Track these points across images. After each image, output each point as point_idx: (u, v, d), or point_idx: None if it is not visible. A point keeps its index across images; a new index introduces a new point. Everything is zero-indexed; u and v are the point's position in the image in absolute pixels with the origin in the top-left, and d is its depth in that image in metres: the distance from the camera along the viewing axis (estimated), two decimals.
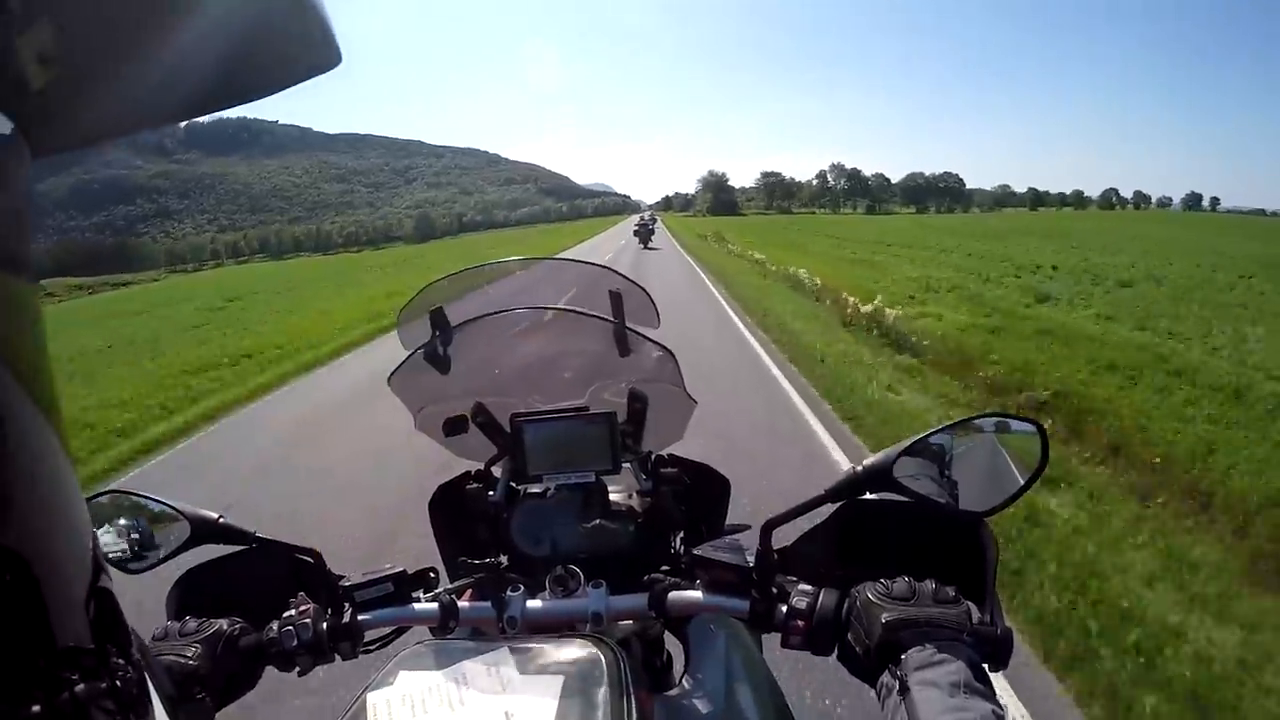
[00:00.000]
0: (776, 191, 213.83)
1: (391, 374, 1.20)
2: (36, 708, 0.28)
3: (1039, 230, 44.38)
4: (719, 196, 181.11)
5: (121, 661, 0.35)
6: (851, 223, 64.27)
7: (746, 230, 48.82)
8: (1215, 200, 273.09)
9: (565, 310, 1.22)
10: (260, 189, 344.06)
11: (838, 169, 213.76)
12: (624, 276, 1.30)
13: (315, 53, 0.37)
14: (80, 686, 0.31)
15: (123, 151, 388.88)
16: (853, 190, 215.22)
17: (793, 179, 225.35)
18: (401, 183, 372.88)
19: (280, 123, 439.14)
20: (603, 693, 0.67)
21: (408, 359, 1.18)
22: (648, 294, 1.32)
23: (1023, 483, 0.82)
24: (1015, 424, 0.86)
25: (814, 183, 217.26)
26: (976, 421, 0.86)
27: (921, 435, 0.81)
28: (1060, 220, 73.29)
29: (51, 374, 0.30)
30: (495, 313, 1.21)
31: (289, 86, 0.37)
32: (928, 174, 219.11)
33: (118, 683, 0.33)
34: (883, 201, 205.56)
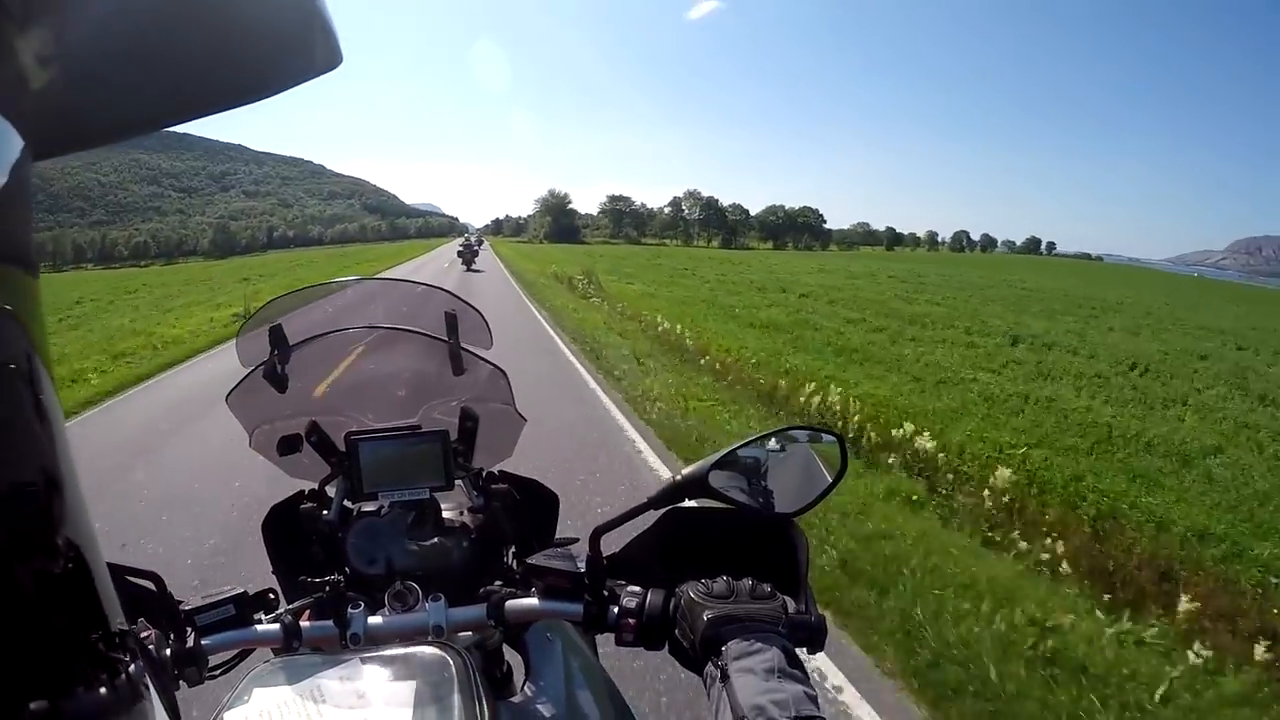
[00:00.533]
0: (625, 219, 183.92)
1: (230, 391, 1.19)
2: (103, 688, 0.30)
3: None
4: (559, 221, 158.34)
5: (147, 636, 0.34)
6: (724, 259, 54.94)
7: (614, 264, 38.93)
8: (1051, 244, 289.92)
9: (401, 330, 1.25)
10: (61, 186, 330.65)
11: (693, 196, 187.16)
12: (459, 298, 1.36)
13: (315, 53, 0.37)
14: (132, 666, 0.32)
15: None
16: (708, 221, 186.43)
17: (643, 205, 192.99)
18: (217, 189, 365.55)
19: None
20: (455, 697, 0.70)
21: (245, 377, 1.18)
22: (481, 315, 1.36)
23: (825, 485, 0.91)
24: (818, 434, 0.95)
25: (666, 211, 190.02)
26: (785, 432, 0.94)
27: (734, 446, 0.88)
28: (926, 263, 75.82)
29: (52, 370, 0.31)
30: (332, 331, 1.23)
31: (289, 87, 0.37)
32: (788, 207, 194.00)
33: (155, 658, 0.33)
34: (739, 234, 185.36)
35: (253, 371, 1.18)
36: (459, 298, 1.37)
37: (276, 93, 0.37)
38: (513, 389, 1.23)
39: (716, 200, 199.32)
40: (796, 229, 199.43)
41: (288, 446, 1.25)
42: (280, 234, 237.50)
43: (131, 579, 0.88)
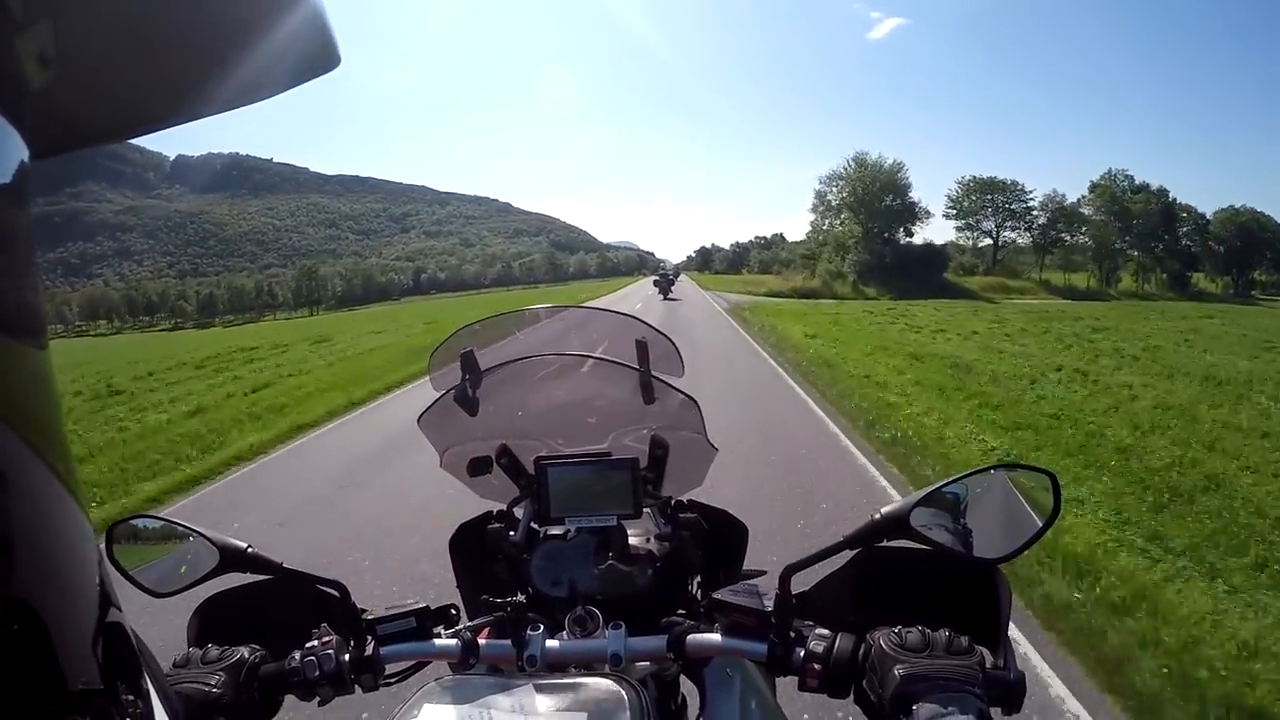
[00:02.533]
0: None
1: (421, 414, 1.23)
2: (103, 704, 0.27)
3: None
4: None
5: (131, 698, 0.34)
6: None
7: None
8: None
9: (593, 357, 1.25)
10: (235, 231, 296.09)
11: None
12: (650, 326, 1.33)
13: (315, 54, 0.37)
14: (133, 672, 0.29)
15: (98, 183, 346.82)
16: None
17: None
18: (397, 230, 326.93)
19: (275, 160, 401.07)
20: None
21: (437, 400, 1.21)
22: (673, 343, 1.33)
23: (1036, 529, 0.83)
24: (1027, 473, 0.87)
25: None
26: (990, 471, 0.88)
27: (937, 485, 0.84)
28: None
29: (58, 413, 0.30)
30: (524, 358, 1.24)
31: (289, 88, 0.37)
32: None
33: (127, 717, 0.31)
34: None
35: (444, 395, 1.21)
36: (651, 326, 1.34)
37: (276, 94, 0.36)
38: (704, 418, 1.21)
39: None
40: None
41: (478, 468, 1.28)
42: (448, 276, 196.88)
43: (320, 587, 0.93)
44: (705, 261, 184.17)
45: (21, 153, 0.26)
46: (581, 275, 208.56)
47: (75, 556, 0.31)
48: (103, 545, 0.35)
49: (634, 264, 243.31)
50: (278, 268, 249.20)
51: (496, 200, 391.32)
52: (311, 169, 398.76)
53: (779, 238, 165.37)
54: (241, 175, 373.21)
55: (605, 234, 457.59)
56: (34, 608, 0.27)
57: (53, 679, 0.29)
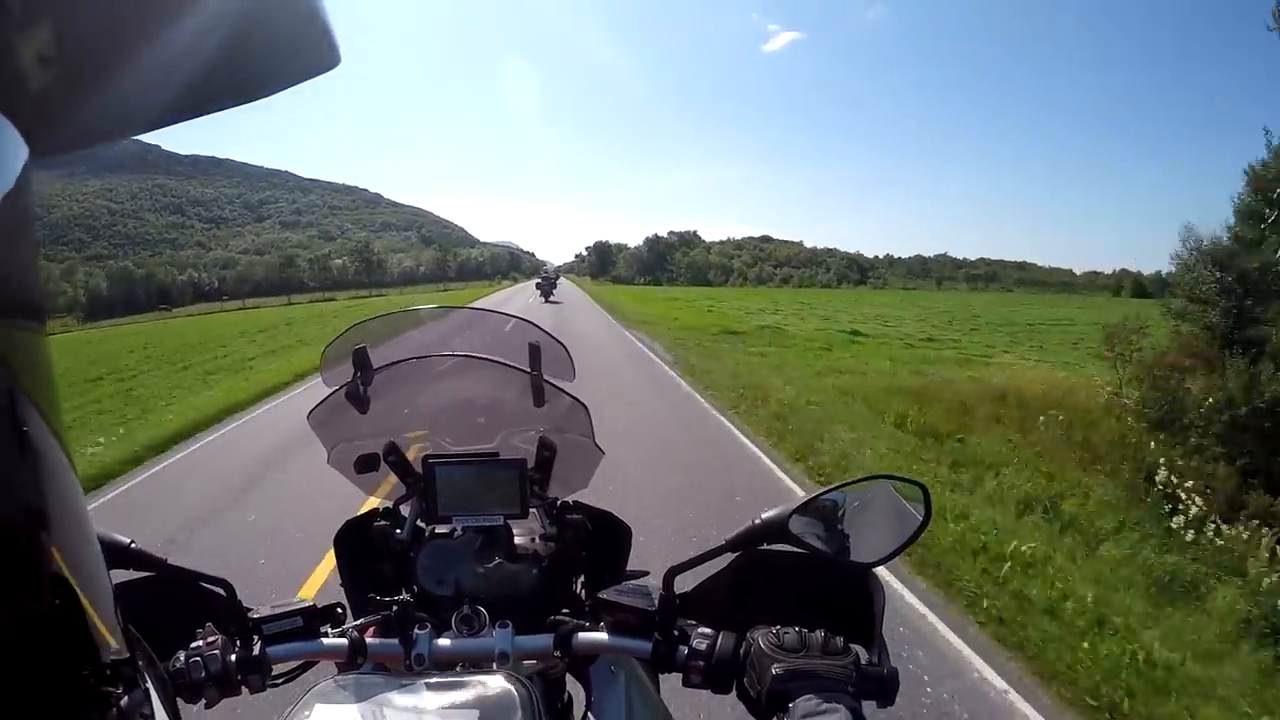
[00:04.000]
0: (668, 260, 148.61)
1: (312, 410, 1.24)
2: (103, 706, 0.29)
3: None
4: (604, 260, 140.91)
5: (144, 664, 0.35)
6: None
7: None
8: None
9: (485, 359, 1.27)
10: (63, 214, 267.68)
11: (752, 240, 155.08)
12: (543, 330, 1.38)
13: (314, 53, 0.37)
14: (125, 699, 0.32)
15: None
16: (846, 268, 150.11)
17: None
18: (251, 219, 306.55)
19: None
20: None
21: (328, 397, 1.22)
22: (565, 348, 1.39)
23: (907, 536, 0.88)
24: (901, 483, 0.93)
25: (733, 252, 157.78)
26: (867, 481, 0.94)
27: (817, 493, 0.89)
28: None
29: (57, 395, 0.31)
30: (417, 357, 1.26)
31: (288, 86, 0.37)
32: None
33: (149, 689, 0.33)
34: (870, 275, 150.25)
35: (335, 392, 1.22)
36: (543, 329, 1.39)
37: (274, 92, 0.37)
38: (593, 423, 1.25)
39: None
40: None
41: (365, 465, 1.29)
42: (315, 272, 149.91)
43: (203, 584, 0.93)
44: (603, 263, 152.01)
45: (22, 153, 0.26)
46: (431, 277, 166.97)
47: (86, 527, 0.32)
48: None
49: (505, 265, 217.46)
50: (107, 259, 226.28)
51: (365, 190, 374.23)
52: (164, 147, 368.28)
53: (694, 235, 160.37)
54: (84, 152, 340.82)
55: (484, 233, 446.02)
56: (75, 584, 0.28)
57: (89, 651, 0.30)
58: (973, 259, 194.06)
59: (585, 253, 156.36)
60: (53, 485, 0.29)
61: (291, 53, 0.37)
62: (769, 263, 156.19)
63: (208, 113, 0.35)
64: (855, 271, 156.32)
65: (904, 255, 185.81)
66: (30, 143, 0.27)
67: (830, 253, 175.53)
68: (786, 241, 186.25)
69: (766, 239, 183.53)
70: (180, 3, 0.31)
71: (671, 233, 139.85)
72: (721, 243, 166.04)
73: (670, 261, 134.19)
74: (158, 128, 0.34)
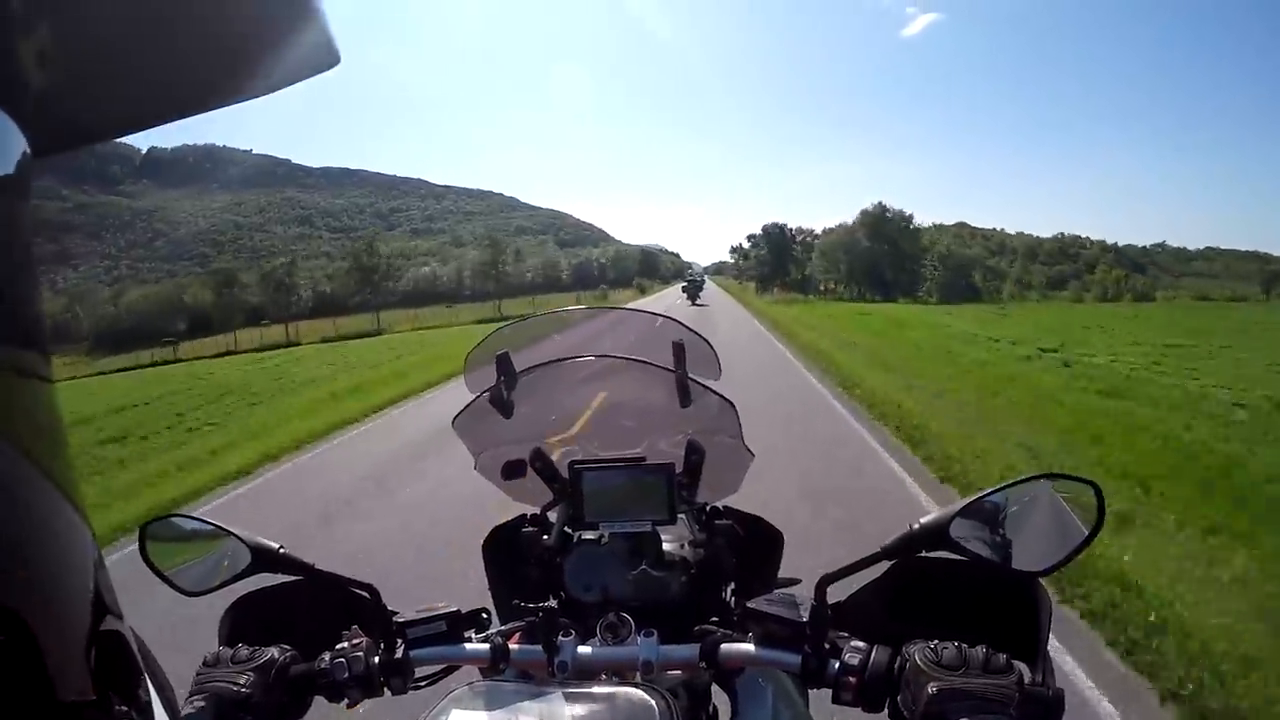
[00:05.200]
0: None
1: (456, 416, 1.28)
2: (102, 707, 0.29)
3: None
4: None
5: (125, 709, 0.34)
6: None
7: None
8: None
9: (629, 359, 1.29)
10: (190, 230, 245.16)
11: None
12: (687, 328, 1.38)
13: (313, 53, 0.37)
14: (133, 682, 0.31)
15: (52, 178, 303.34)
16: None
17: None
18: (383, 227, 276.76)
19: (254, 152, 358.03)
20: None
21: (472, 402, 1.26)
22: (710, 346, 1.37)
23: (1079, 540, 0.84)
24: (1070, 483, 0.88)
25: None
26: (1032, 481, 0.89)
27: (978, 495, 0.86)
28: None
29: (59, 418, 0.30)
30: (559, 360, 1.28)
31: (287, 85, 0.37)
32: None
33: (158, 672, 0.32)
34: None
35: (479, 397, 1.27)
36: (688, 328, 1.38)
37: (273, 91, 0.37)
38: (741, 423, 1.27)
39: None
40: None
41: (512, 471, 1.32)
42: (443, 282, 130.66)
43: (351, 589, 0.98)
44: (779, 259, 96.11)
45: (23, 151, 0.26)
46: (577, 283, 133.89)
47: (70, 564, 0.31)
48: (100, 551, 0.36)
49: (630, 269, 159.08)
50: (229, 272, 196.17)
51: (500, 194, 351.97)
52: (294, 160, 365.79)
53: (909, 217, 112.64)
54: (215, 168, 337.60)
55: (625, 234, 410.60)
56: (22, 617, 0.27)
57: (41, 690, 0.29)
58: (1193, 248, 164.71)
59: (748, 244, 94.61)
60: (15, 515, 0.28)
61: (291, 52, 0.36)
62: (1026, 259, 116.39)
63: (207, 111, 0.35)
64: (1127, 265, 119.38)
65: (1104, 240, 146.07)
66: (32, 141, 0.27)
67: (1078, 241, 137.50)
68: (983, 230, 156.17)
69: (963, 225, 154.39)
70: (180, 3, 0.31)
71: (889, 209, 77.57)
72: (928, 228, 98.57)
73: (901, 257, 74.55)
74: (157, 125, 0.34)
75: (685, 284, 45.20)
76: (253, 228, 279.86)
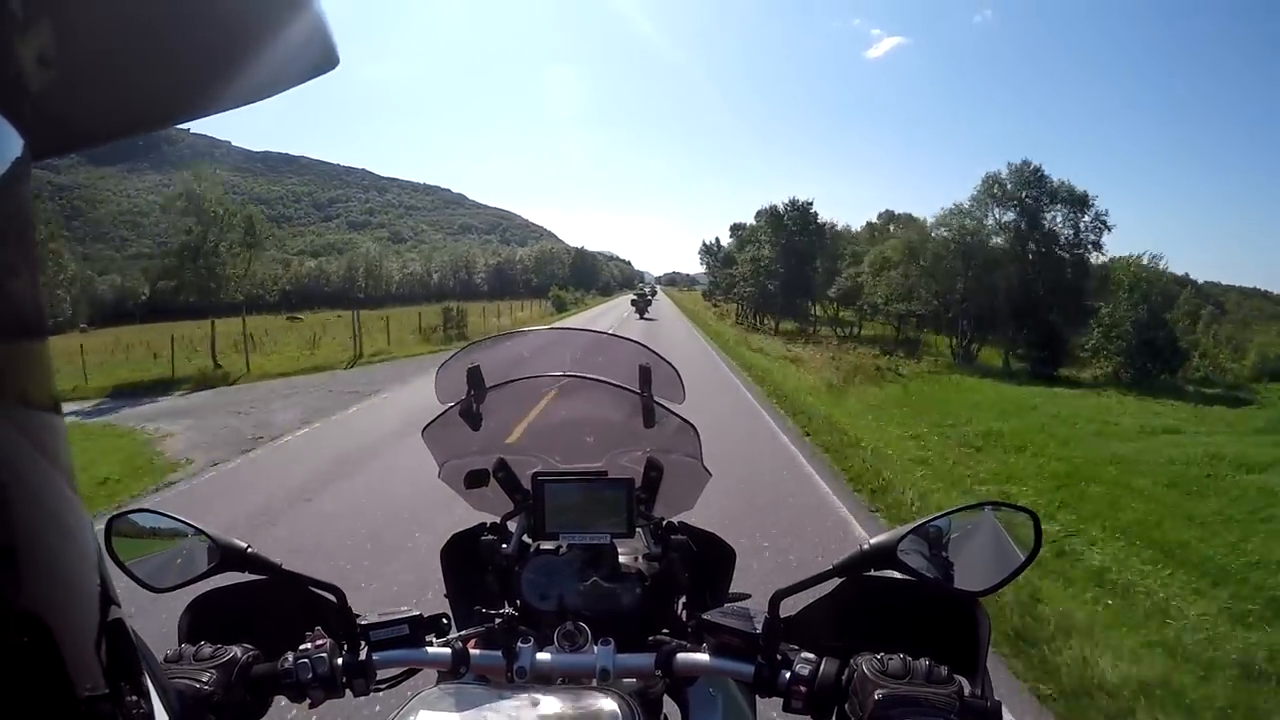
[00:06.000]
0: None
1: (426, 426, 1.32)
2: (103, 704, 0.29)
3: None
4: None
5: (134, 698, 0.34)
6: None
7: None
8: None
9: (597, 380, 1.33)
10: (110, 210, 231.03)
11: None
12: (654, 352, 1.42)
13: (313, 55, 0.37)
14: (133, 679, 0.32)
15: None
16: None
17: None
18: (318, 219, 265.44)
19: (192, 132, 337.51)
20: None
21: (443, 413, 1.30)
22: (675, 370, 1.43)
23: (1016, 565, 0.90)
24: (1011, 511, 0.94)
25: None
26: (975, 507, 0.95)
27: (924, 520, 0.91)
28: None
29: (58, 405, 0.31)
30: (530, 377, 1.33)
31: (287, 88, 0.38)
32: None
33: (158, 672, 0.33)
34: None
35: (450, 408, 1.31)
36: (654, 352, 1.44)
37: (273, 94, 0.37)
38: (701, 444, 1.33)
39: None
40: None
41: (475, 480, 1.36)
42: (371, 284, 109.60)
43: (315, 590, 0.99)
44: (673, 282, 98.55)
45: (22, 152, 0.27)
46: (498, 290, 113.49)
47: (79, 556, 0.32)
48: (99, 540, 0.37)
49: (545, 274, 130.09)
50: (148, 258, 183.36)
51: (447, 190, 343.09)
52: (234, 143, 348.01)
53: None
54: (148, 146, 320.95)
55: (576, 239, 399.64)
56: (40, 616, 0.28)
57: (59, 686, 0.29)
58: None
59: (729, 240, 63.51)
60: (41, 520, 0.29)
61: (290, 55, 0.37)
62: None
63: (207, 114, 0.35)
64: None
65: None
66: (31, 142, 0.27)
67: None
68: None
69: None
70: (180, 4, 0.31)
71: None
72: None
73: (1069, 290, 32.96)
74: (157, 128, 0.34)
75: (634, 296, 44.16)
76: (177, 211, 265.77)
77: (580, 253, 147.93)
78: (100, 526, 0.86)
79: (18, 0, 0.25)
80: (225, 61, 0.34)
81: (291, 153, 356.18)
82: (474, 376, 1.29)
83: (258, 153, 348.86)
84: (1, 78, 0.25)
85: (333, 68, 0.39)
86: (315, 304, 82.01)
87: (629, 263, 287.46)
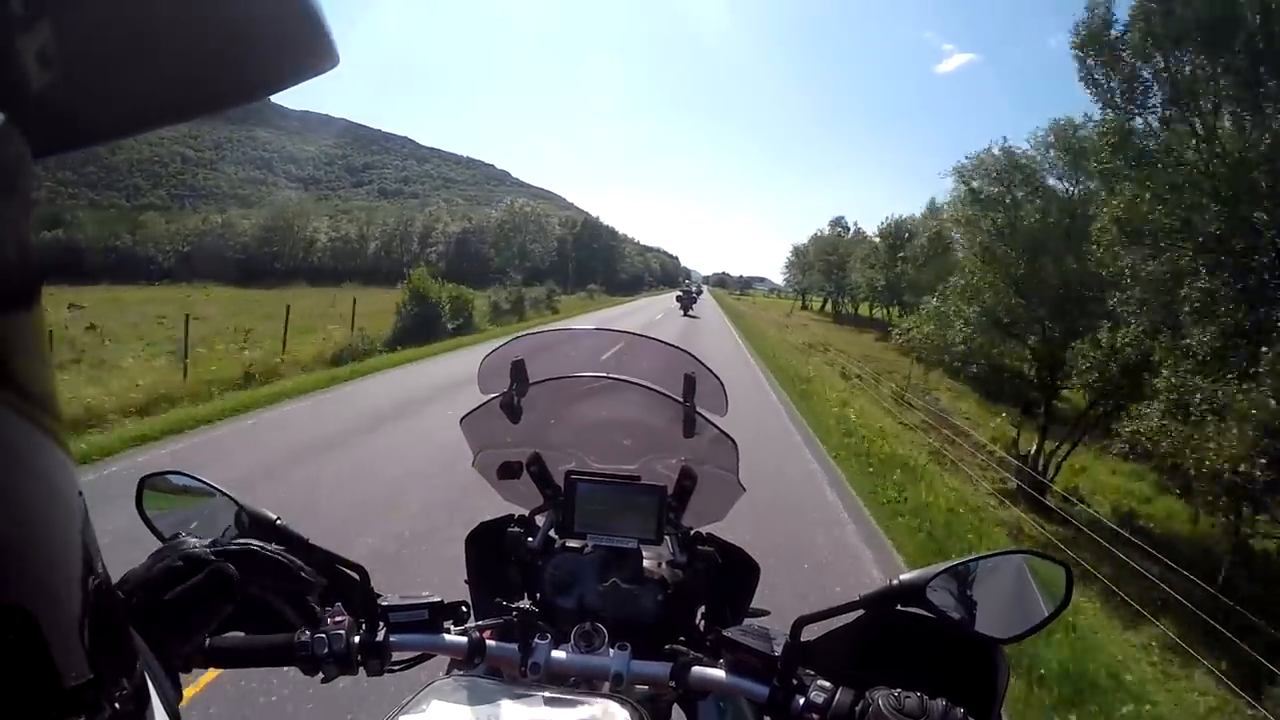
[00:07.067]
0: None
1: (466, 414, 1.32)
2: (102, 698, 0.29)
3: None
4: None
5: (124, 682, 0.34)
6: None
7: None
8: None
9: (641, 385, 1.32)
10: (129, 157, 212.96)
11: None
12: (700, 362, 1.42)
13: (313, 53, 0.37)
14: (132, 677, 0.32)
15: None
16: None
17: None
18: (349, 184, 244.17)
19: None
20: None
21: (484, 404, 1.31)
22: (720, 382, 1.42)
23: (1044, 617, 0.89)
24: (1043, 562, 0.93)
25: None
26: (1008, 555, 0.95)
27: (956, 561, 0.91)
28: None
29: (51, 381, 0.30)
30: (574, 375, 1.33)
31: (287, 87, 0.38)
32: None
33: (117, 705, 0.32)
34: None
35: (491, 399, 1.31)
36: (701, 362, 1.43)
37: (274, 92, 0.37)
38: (739, 460, 1.31)
39: None
40: None
41: (508, 472, 1.36)
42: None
43: (340, 567, 0.98)
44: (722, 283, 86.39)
45: (22, 151, 0.27)
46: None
47: (66, 525, 0.31)
48: (85, 504, 0.34)
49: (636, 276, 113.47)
50: (158, 209, 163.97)
51: (491, 166, 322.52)
52: (274, 100, 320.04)
53: None
54: None
55: (625, 229, 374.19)
56: (30, 610, 0.27)
57: (47, 681, 0.29)
58: None
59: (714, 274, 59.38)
60: (31, 502, 0.28)
61: (291, 53, 0.37)
62: None
63: (208, 113, 0.36)
64: None
65: None
66: (31, 142, 0.27)
67: None
68: None
69: None
70: (179, 3, 0.31)
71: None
72: None
73: None
74: (157, 127, 0.35)
75: (680, 293, 45.49)
76: (200, 163, 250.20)
77: (590, 224, 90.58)
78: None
79: (18, 0, 0.25)
80: (226, 60, 0.34)
81: (332, 114, 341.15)
82: (518, 370, 1.28)
83: (296, 111, 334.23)
84: (2, 76, 0.25)
85: (334, 66, 0.39)
86: (205, 275, 56.17)
87: (675, 258, 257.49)
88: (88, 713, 0.31)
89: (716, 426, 1.27)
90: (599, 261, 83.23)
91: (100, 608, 0.33)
